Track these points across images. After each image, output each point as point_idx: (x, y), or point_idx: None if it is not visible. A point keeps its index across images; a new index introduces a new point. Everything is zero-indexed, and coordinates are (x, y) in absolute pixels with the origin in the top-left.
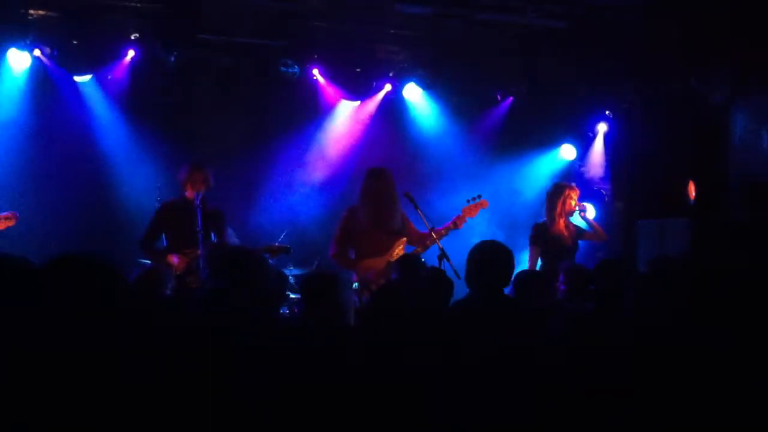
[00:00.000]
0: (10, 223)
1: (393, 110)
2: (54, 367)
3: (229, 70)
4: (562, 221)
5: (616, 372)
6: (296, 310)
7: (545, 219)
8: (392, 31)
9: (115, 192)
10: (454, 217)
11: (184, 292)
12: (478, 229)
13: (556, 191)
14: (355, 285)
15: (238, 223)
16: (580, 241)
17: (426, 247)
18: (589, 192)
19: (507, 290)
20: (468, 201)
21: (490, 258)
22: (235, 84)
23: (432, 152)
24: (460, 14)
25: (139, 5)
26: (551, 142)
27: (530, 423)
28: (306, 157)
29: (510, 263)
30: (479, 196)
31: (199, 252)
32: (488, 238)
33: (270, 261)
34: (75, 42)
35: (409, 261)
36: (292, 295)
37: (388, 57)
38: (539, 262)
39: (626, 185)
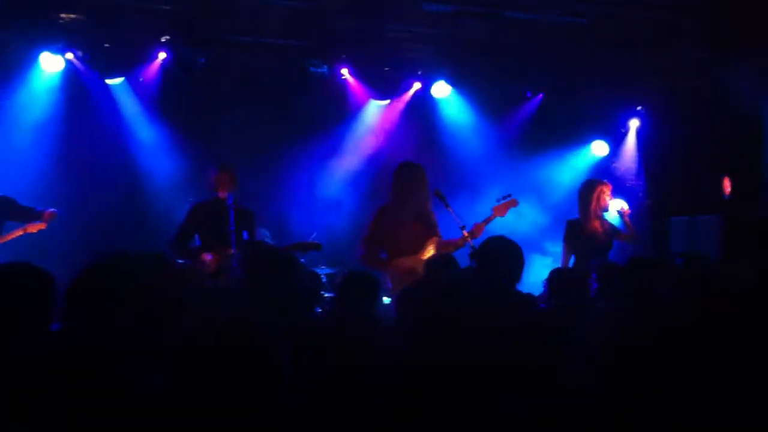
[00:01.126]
0: (42, 226)
1: (422, 109)
2: (74, 369)
3: (257, 70)
4: (596, 218)
5: (644, 370)
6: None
7: (579, 216)
8: (420, 29)
9: (146, 193)
10: (484, 218)
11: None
12: (510, 227)
13: (589, 187)
14: (387, 300)
15: (267, 223)
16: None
17: (458, 247)
18: (621, 188)
19: (540, 288)
20: (498, 200)
21: (499, 253)
22: (264, 84)
23: (462, 150)
24: (487, 12)
25: (167, 7)
26: (583, 138)
27: (540, 422)
28: (335, 156)
29: (519, 258)
30: (509, 195)
31: (231, 252)
32: (518, 237)
33: (301, 259)
34: (106, 45)
35: (440, 261)
36: (327, 295)
37: (416, 56)
38: (572, 260)
39: (659, 181)
